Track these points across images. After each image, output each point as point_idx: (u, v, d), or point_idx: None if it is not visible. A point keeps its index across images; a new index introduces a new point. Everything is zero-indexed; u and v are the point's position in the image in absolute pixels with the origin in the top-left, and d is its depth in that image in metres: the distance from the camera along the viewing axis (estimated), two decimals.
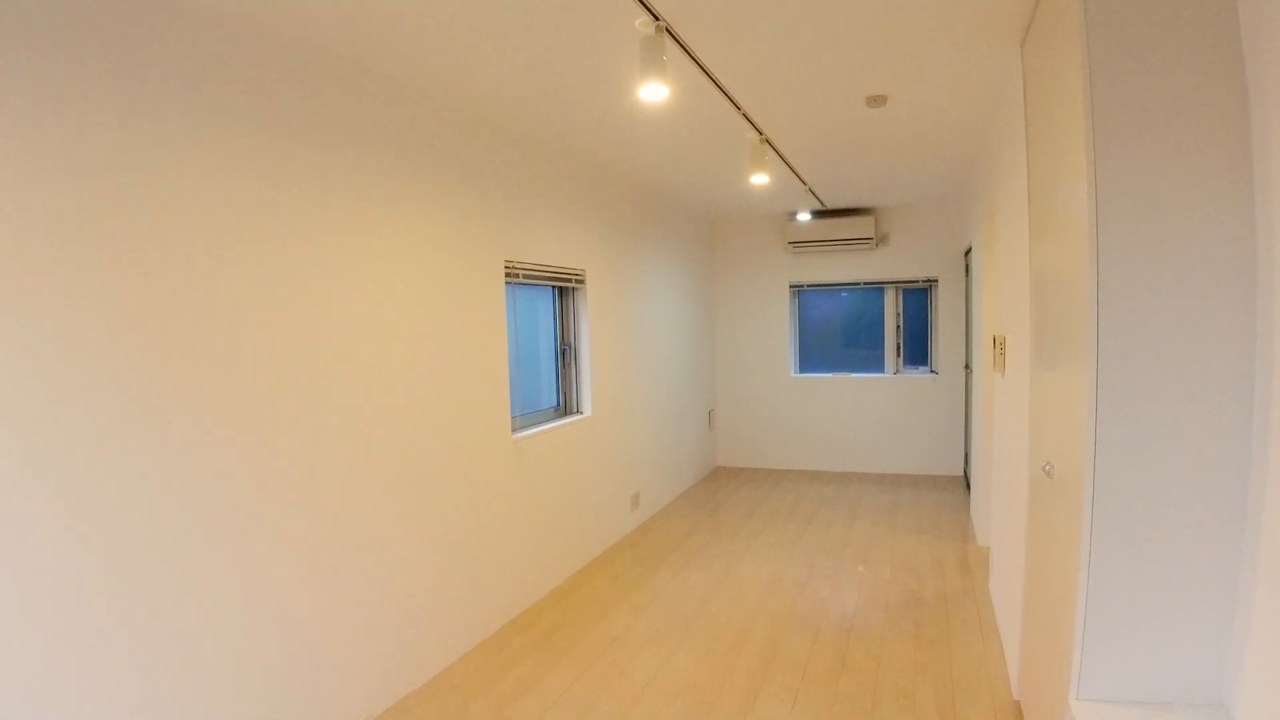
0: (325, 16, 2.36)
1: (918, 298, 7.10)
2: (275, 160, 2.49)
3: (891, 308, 7.14)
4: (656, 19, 2.44)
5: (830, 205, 6.73)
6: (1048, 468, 2.21)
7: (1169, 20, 1.66)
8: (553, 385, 4.67)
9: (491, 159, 3.70)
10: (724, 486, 6.76)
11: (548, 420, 4.45)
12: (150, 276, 2.09)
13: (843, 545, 4.98)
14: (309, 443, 2.62)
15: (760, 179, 4.11)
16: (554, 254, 4.34)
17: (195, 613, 2.22)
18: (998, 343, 3.80)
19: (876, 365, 7.24)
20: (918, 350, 7.15)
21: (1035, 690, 2.42)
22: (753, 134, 3.96)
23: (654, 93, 2.52)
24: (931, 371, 7.03)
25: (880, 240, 6.98)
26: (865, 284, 7.12)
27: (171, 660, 2.15)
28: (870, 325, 7.27)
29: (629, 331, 5.41)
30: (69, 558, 1.90)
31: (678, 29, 2.56)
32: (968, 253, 6.16)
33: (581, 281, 4.71)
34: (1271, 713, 1.44)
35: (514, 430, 4.01)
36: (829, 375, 7.30)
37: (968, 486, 6.34)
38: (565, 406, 4.76)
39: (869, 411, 7.17)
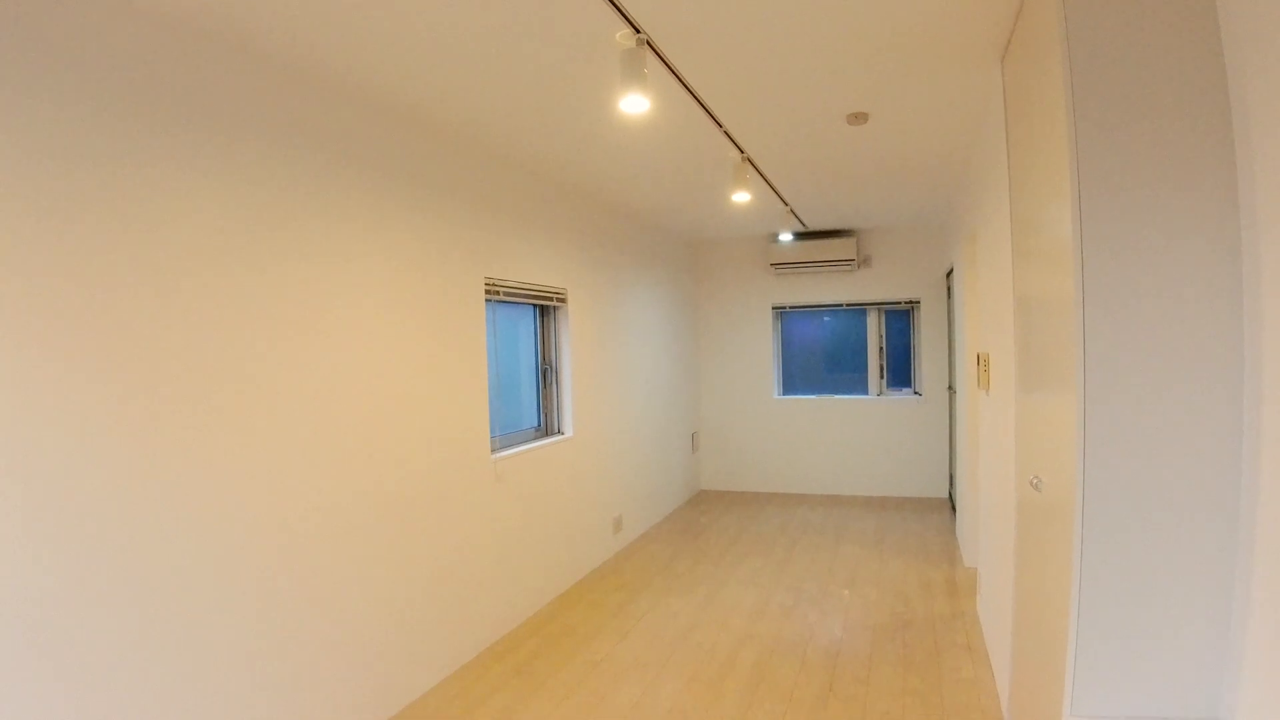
0: (305, 30, 2.32)
1: (900, 319, 7.11)
2: (252, 174, 2.44)
3: (874, 329, 7.14)
4: (638, 31, 2.42)
5: (812, 227, 6.74)
6: (1035, 481, 2.17)
7: (1151, 28, 1.65)
8: (533, 406, 4.61)
9: (472, 176, 3.66)
10: (708, 510, 6.69)
11: (528, 441, 4.37)
12: (127, 286, 2.03)
13: (829, 569, 4.91)
14: (280, 462, 2.54)
15: (742, 196, 4.10)
16: (535, 272, 4.30)
17: (150, 636, 2.12)
18: (981, 360, 3.78)
19: (860, 387, 7.22)
20: (901, 372, 7.14)
21: (1027, 711, 2.36)
22: (734, 152, 3.95)
23: (635, 104, 2.49)
24: (915, 393, 7.02)
25: (862, 262, 7.00)
26: (848, 305, 7.12)
27: (126, 684, 2.05)
28: (853, 347, 7.26)
29: (611, 352, 5.36)
30: (24, 559, 1.81)
31: (659, 43, 2.54)
32: (949, 274, 6.18)
33: (563, 300, 4.66)
34: None
35: (494, 450, 3.93)
36: (812, 397, 7.27)
37: (953, 509, 6.30)
38: (546, 427, 4.69)
39: (853, 434, 7.14)
